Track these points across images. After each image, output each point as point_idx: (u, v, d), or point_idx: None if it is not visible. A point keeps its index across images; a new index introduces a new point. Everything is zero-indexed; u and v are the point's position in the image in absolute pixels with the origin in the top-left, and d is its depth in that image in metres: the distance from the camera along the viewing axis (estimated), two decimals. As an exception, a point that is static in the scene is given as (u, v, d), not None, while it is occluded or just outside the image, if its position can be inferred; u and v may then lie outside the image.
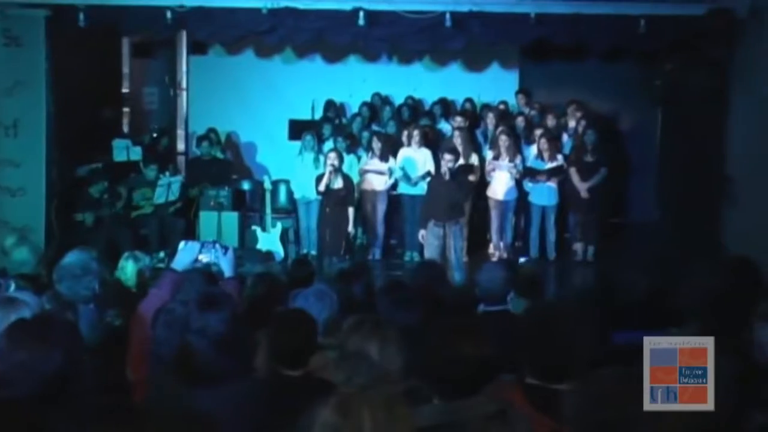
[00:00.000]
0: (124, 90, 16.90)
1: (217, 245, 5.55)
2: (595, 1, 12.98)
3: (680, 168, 13.87)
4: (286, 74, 16.40)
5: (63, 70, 12.75)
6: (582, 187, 13.67)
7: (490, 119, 14.79)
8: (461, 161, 12.92)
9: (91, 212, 12.97)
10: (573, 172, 13.73)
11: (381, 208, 13.96)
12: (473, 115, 15.34)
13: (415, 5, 13.02)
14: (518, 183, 13.84)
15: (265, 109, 16.27)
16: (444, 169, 12.00)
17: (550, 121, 14.65)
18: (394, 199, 14.06)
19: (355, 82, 16.31)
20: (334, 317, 5.54)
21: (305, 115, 16.02)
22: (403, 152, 13.83)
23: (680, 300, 5.32)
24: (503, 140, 13.64)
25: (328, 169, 12.91)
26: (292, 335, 4.63)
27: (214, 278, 6.63)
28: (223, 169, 14.86)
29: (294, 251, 14.11)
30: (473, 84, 16.24)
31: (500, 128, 14.10)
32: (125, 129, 16.57)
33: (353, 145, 14.47)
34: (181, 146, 16.40)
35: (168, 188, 13.62)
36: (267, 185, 14.11)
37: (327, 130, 14.69)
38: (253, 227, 14.01)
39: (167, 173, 14.17)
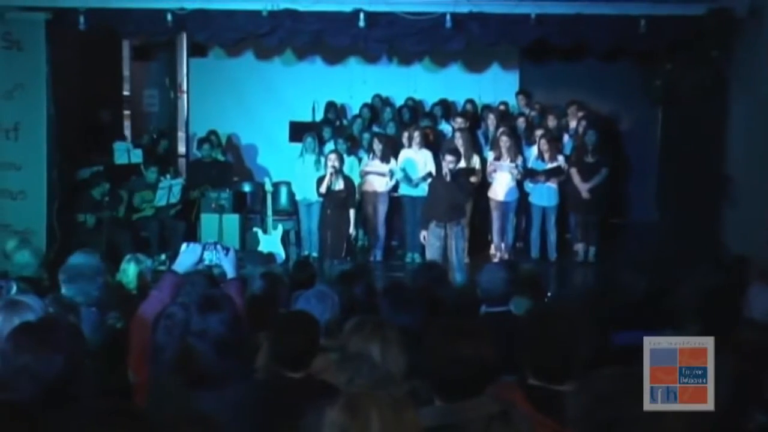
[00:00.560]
0: (125, 92, 16.92)
1: (219, 246, 5.56)
2: (594, 2, 12.96)
3: (680, 168, 13.86)
4: (286, 76, 16.40)
5: (63, 73, 12.77)
6: (583, 187, 13.67)
7: (491, 120, 14.79)
8: (462, 162, 12.93)
9: (93, 215, 12.98)
10: (574, 173, 13.74)
11: (382, 209, 13.96)
12: (474, 116, 15.34)
13: (415, 6, 13.01)
14: (519, 184, 13.84)
15: (265, 111, 16.28)
16: (445, 170, 11.99)
17: (551, 122, 14.66)
18: (395, 200, 14.06)
19: (356, 83, 16.31)
20: (336, 319, 5.55)
21: (306, 117, 16.02)
22: (404, 153, 13.83)
23: (679, 301, 5.34)
24: (504, 141, 13.64)
25: (329, 170, 12.92)
26: (293, 337, 4.64)
27: (215, 280, 6.64)
28: (224, 171, 14.86)
29: (295, 253, 14.12)
30: (473, 85, 16.24)
31: (501, 129, 14.10)
32: (126, 131, 16.58)
33: (354, 146, 14.49)
34: (181, 149, 16.41)
35: (169, 191, 13.62)
36: (268, 187, 14.11)
37: (327, 131, 14.70)
38: (254, 229, 14.02)
39: (168, 176, 14.19)
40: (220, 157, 15.19)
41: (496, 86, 16.26)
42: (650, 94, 15.50)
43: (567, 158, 13.91)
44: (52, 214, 12.52)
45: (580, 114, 14.66)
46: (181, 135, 16.43)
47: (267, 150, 16.56)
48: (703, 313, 4.94)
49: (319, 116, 15.92)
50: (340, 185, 13.03)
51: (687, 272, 6.64)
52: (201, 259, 5.51)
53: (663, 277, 6.88)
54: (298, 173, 13.96)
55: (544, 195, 13.83)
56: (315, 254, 13.64)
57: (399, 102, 15.96)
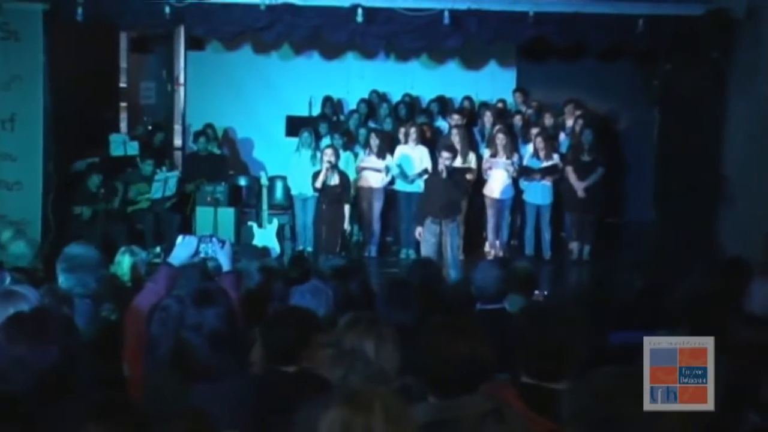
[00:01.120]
0: (122, 85, 16.86)
1: (215, 239, 5.55)
2: (593, 1, 12.99)
3: (677, 168, 13.87)
4: (283, 70, 16.38)
5: (60, 65, 12.74)
6: (579, 186, 13.69)
7: (488, 117, 14.77)
8: (458, 159, 12.94)
9: (88, 206, 12.97)
10: (570, 171, 13.75)
11: (377, 205, 13.97)
12: (471, 113, 15.35)
13: (413, 3, 13.03)
14: (515, 181, 13.86)
15: (262, 106, 16.27)
16: (441, 166, 12.01)
17: (548, 120, 14.67)
18: (390, 196, 14.07)
19: (353, 79, 16.30)
20: (330, 314, 5.55)
21: (302, 112, 16.02)
22: (400, 149, 13.84)
23: (672, 302, 5.35)
24: (500, 139, 13.65)
25: (325, 165, 12.93)
26: (284, 332, 4.63)
27: (209, 273, 6.64)
28: (220, 164, 14.86)
29: (290, 247, 14.13)
30: (470, 82, 16.23)
31: (497, 126, 14.11)
32: (122, 124, 16.54)
33: (350, 142, 14.48)
34: (177, 141, 16.37)
35: (164, 183, 13.62)
36: (263, 181, 14.12)
37: (324, 126, 14.70)
38: (250, 223, 14.02)
39: (164, 168, 14.18)
40: (216, 151, 15.18)
41: (494, 84, 16.24)
42: (648, 93, 15.50)
43: (563, 157, 13.92)
44: (47, 205, 12.51)
45: (577, 113, 14.68)
46: (177, 128, 16.39)
47: (263, 144, 16.54)
48: (696, 315, 4.95)
49: (316, 111, 15.92)
50: (335, 180, 13.03)
51: (682, 273, 6.65)
52: (197, 252, 5.50)
53: (658, 277, 6.90)
54: (294, 168, 13.96)
55: (538, 193, 13.85)
56: (310, 249, 13.65)
57: (396, 98, 15.95)
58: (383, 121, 14.94)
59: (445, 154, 12.03)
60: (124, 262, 8.09)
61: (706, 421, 3.28)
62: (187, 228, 13.66)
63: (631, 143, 16.11)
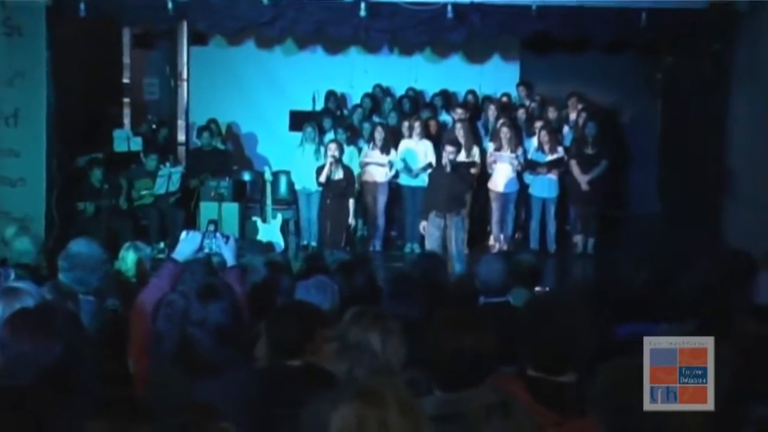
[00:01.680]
0: (125, 80, 16.85)
1: (219, 234, 5.55)
2: (596, -6, 12.98)
3: (681, 161, 13.86)
4: (286, 65, 16.40)
5: (63, 60, 12.72)
6: (582, 179, 13.68)
7: (492, 111, 14.77)
8: (462, 153, 12.94)
9: (92, 202, 12.97)
10: (573, 165, 13.74)
11: (381, 199, 13.97)
12: (474, 106, 15.35)
13: (417, -3, 13.02)
14: (519, 175, 13.85)
15: (265, 100, 16.28)
16: (445, 160, 12.00)
17: (551, 114, 14.65)
18: (394, 190, 14.08)
19: (356, 73, 16.31)
20: (335, 308, 5.55)
21: (306, 107, 16.02)
22: (404, 144, 13.84)
23: (678, 294, 5.35)
24: (505, 132, 13.64)
25: (329, 160, 12.94)
26: (288, 326, 4.63)
27: (214, 269, 6.63)
28: (224, 159, 14.86)
29: (294, 242, 14.14)
30: (474, 76, 16.24)
31: (502, 120, 14.09)
32: (126, 119, 16.54)
33: (354, 136, 14.48)
34: (181, 137, 16.37)
35: (168, 179, 13.61)
36: (267, 176, 14.11)
37: (328, 121, 14.70)
38: (254, 218, 14.02)
39: (168, 164, 14.17)
40: (220, 146, 15.19)
41: (497, 77, 16.25)
42: (651, 86, 15.52)
43: (567, 150, 13.90)
44: (51, 201, 12.49)
45: (581, 106, 14.67)
46: (180, 123, 16.38)
47: (267, 139, 16.56)
48: (701, 308, 4.94)
49: (320, 106, 15.92)
50: (339, 175, 13.04)
51: (687, 265, 6.64)
52: (201, 247, 5.50)
53: (663, 269, 6.88)
54: (298, 162, 13.97)
55: (544, 186, 13.84)
56: (314, 243, 13.66)
57: (399, 92, 15.96)
58: (387, 116, 14.92)
59: (449, 148, 12.03)
60: (128, 258, 8.10)
61: (713, 413, 3.27)
62: (192, 223, 13.67)
63: (635, 136, 16.12)
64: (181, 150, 16.13)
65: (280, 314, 4.80)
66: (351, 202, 13.29)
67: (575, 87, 15.26)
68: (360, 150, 14.22)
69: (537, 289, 7.28)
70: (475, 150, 13.77)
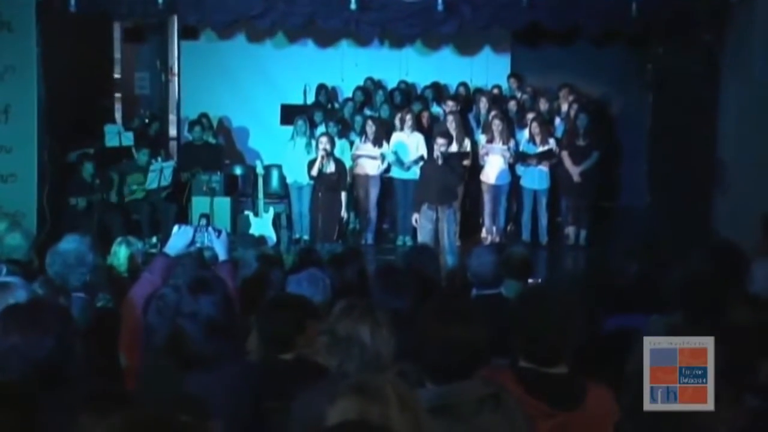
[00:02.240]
0: (116, 75, 16.86)
1: (210, 228, 5.55)
2: (586, -15, 12.97)
3: (672, 152, 13.88)
4: (277, 59, 16.38)
5: (54, 55, 12.68)
6: (574, 171, 13.69)
7: (483, 103, 14.76)
8: (454, 145, 12.94)
9: (84, 197, 12.95)
10: (565, 156, 13.75)
11: (373, 192, 13.97)
12: (466, 99, 15.36)
13: (407, -11, 13.01)
14: (511, 167, 13.86)
15: (256, 94, 16.27)
16: (437, 153, 12.01)
17: (543, 105, 14.68)
18: (386, 183, 14.07)
19: (347, 66, 16.30)
20: (327, 301, 5.55)
21: (297, 100, 16.01)
22: (396, 137, 13.84)
23: (668, 285, 5.36)
24: (496, 125, 13.64)
25: (320, 153, 12.94)
26: (278, 319, 4.63)
27: (206, 263, 6.63)
28: (215, 154, 14.85)
29: (286, 236, 14.12)
30: (465, 68, 16.25)
31: (493, 112, 14.08)
32: (117, 114, 16.53)
33: (345, 129, 14.47)
34: (172, 131, 16.38)
35: (160, 173, 13.59)
36: (259, 170, 14.12)
37: (319, 114, 14.69)
38: (246, 212, 14.02)
39: (159, 158, 14.16)
40: (212, 140, 15.17)
41: (488, 69, 16.26)
42: (641, 77, 15.52)
43: (558, 141, 13.91)
44: (42, 196, 12.47)
45: (572, 97, 14.69)
46: (172, 118, 16.40)
47: (258, 133, 16.55)
48: (691, 299, 4.95)
49: (311, 99, 15.91)
50: (331, 168, 13.04)
51: (678, 257, 6.65)
52: (192, 242, 5.50)
53: (654, 261, 6.88)
54: (289, 156, 13.95)
55: (535, 178, 13.85)
56: (306, 237, 13.66)
57: (391, 85, 15.96)
58: (379, 109, 14.92)
59: (441, 141, 12.03)
60: (120, 253, 8.09)
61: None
62: (184, 218, 13.67)
63: (625, 127, 16.13)
64: (173, 144, 16.14)
65: (271, 308, 4.80)
66: (343, 195, 13.31)
67: (566, 79, 15.28)
68: (351, 143, 14.22)
69: (529, 281, 7.28)
70: (467, 142, 13.79)
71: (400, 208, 13.96)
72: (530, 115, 14.14)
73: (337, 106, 15.81)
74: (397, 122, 13.98)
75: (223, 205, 13.92)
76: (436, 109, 15.19)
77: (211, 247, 5.71)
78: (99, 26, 15.22)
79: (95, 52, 15.34)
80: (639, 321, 5.20)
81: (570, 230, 14.01)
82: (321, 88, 15.90)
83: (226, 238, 5.56)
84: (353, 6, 12.73)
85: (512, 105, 14.73)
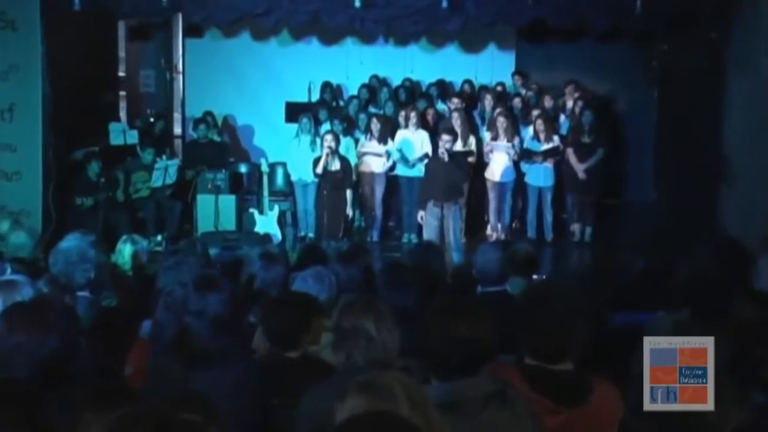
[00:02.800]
0: (121, 73, 16.84)
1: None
2: (592, -19, 12.96)
3: (677, 148, 13.86)
4: (282, 57, 16.36)
5: (59, 54, 12.69)
6: (579, 167, 13.68)
7: (488, 100, 14.75)
8: (459, 142, 12.94)
9: (89, 196, 12.95)
10: (570, 153, 13.74)
11: (379, 190, 13.97)
12: (470, 96, 15.34)
13: (411, -14, 13.00)
14: (516, 164, 13.84)
15: (261, 92, 16.26)
16: (442, 150, 11.99)
17: (547, 102, 14.67)
18: (391, 181, 14.06)
19: (352, 64, 16.28)
20: (333, 299, 5.54)
21: (302, 98, 15.99)
22: (401, 134, 13.83)
23: (674, 282, 5.35)
24: (501, 122, 13.63)
25: (325, 151, 12.93)
26: (283, 317, 4.63)
27: (210, 260, 6.63)
28: (220, 152, 14.83)
29: (292, 234, 14.10)
30: (470, 65, 16.22)
31: (498, 110, 14.09)
32: (122, 112, 16.53)
33: (350, 127, 14.46)
34: (177, 129, 16.37)
35: (165, 171, 13.59)
36: (264, 168, 14.09)
37: (323, 112, 14.69)
38: (251, 210, 13.99)
39: (164, 156, 14.17)
40: (216, 138, 15.15)
41: (493, 67, 16.24)
42: (647, 74, 15.48)
43: (563, 138, 13.90)
44: (47, 195, 12.48)
45: (577, 94, 14.67)
46: (177, 116, 16.39)
47: (263, 131, 16.54)
48: (697, 296, 4.95)
49: (315, 97, 15.90)
50: (336, 166, 13.04)
51: (683, 253, 6.64)
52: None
53: (659, 257, 6.88)
54: (294, 154, 13.93)
55: (540, 175, 13.83)
56: (312, 235, 13.66)
57: (395, 82, 15.95)
58: (384, 106, 14.91)
59: (446, 138, 12.02)
60: (125, 251, 8.09)
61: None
62: (189, 216, 13.70)
63: (631, 124, 16.09)
64: (178, 142, 16.14)
65: (277, 305, 4.80)
66: (348, 192, 13.30)
67: (571, 75, 15.25)
68: (356, 141, 14.20)
69: (534, 277, 7.28)
70: (472, 139, 13.77)
71: (405, 206, 13.96)
72: (535, 112, 14.13)
73: (342, 103, 15.80)
74: (401, 120, 13.97)
75: (228, 203, 13.91)
76: (440, 106, 15.17)
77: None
78: (103, 24, 15.21)
79: (100, 51, 15.34)
80: (645, 318, 5.19)
81: (575, 227, 14.00)
82: (326, 85, 15.89)
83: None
84: (358, 3, 12.73)
85: (517, 102, 14.73)
